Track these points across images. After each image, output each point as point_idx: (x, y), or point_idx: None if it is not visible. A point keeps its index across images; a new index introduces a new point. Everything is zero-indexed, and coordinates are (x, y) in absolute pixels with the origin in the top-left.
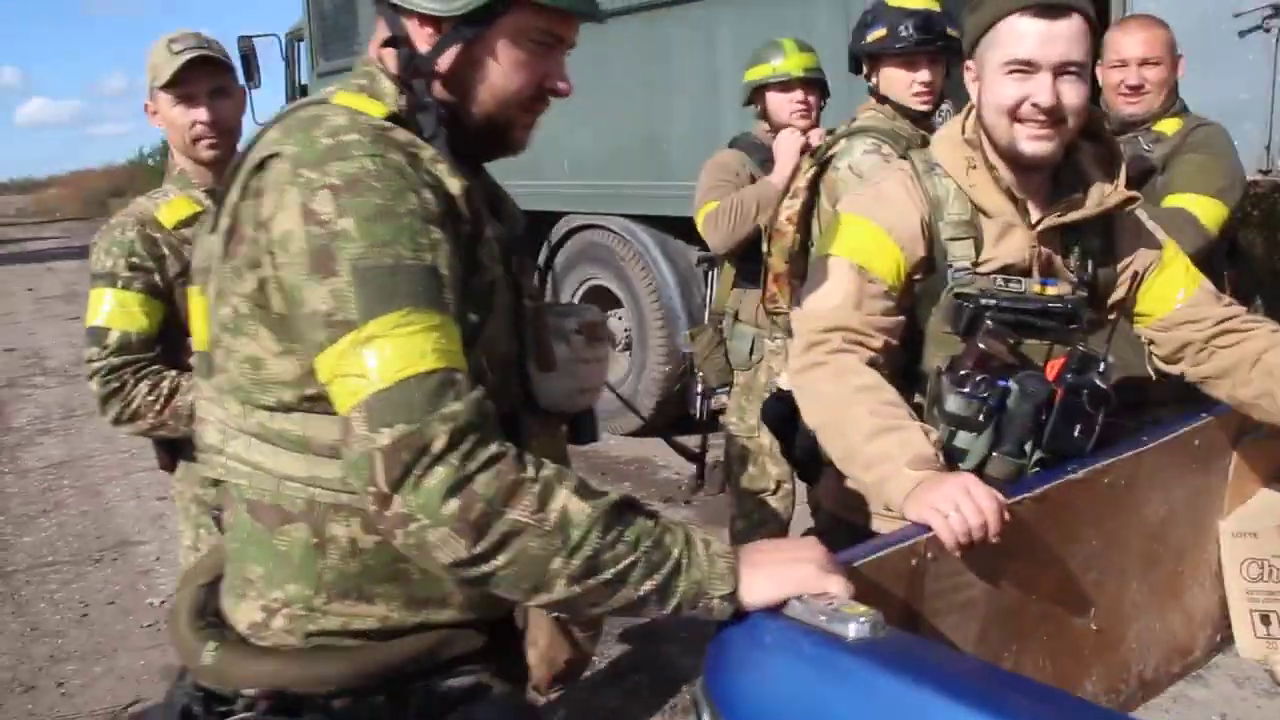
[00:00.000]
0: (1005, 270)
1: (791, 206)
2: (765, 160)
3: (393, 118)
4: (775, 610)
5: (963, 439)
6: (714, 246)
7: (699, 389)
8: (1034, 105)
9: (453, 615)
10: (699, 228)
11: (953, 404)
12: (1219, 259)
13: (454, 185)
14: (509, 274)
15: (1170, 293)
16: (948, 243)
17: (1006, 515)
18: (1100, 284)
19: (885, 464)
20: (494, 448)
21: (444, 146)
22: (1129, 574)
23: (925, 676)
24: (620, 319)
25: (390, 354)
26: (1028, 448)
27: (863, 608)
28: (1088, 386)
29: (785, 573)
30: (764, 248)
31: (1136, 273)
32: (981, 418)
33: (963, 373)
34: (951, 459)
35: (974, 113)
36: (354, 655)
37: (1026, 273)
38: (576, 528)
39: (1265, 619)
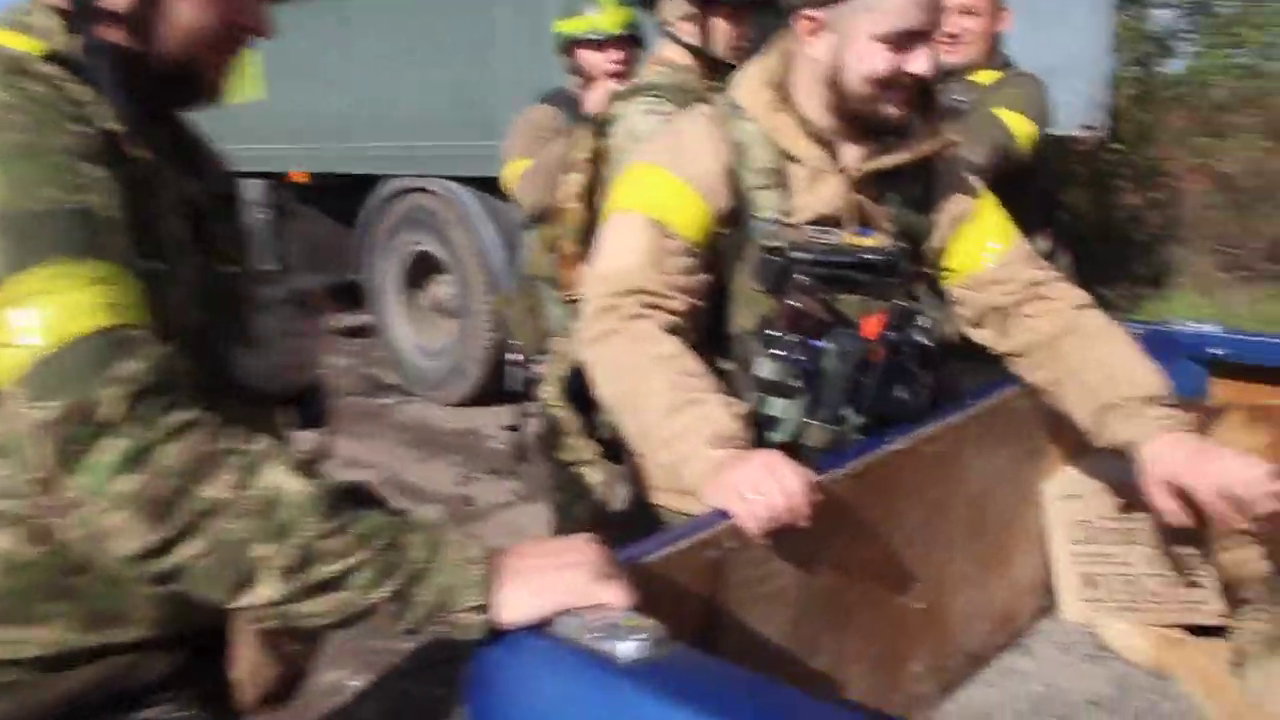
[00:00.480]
0: (817, 221)
1: (574, 181)
2: (580, 116)
3: (51, 56)
4: (541, 627)
5: (776, 406)
6: (526, 208)
7: (514, 358)
8: (910, 74)
9: (140, 633)
10: (508, 188)
11: (763, 368)
12: (1035, 207)
13: (115, 125)
14: (201, 235)
15: (980, 247)
16: (753, 192)
17: (816, 495)
18: (920, 234)
19: (683, 442)
20: (185, 413)
21: (112, 89)
22: (954, 545)
23: (704, 702)
24: (447, 285)
25: (50, 313)
26: (848, 413)
27: (642, 621)
28: (909, 343)
29: (551, 582)
30: (553, 230)
31: (954, 222)
32: (795, 382)
33: (773, 334)
34: (765, 429)
35: (783, 57)
36: (17, 690)
37: (840, 223)
38: (289, 507)
39: (1091, 581)
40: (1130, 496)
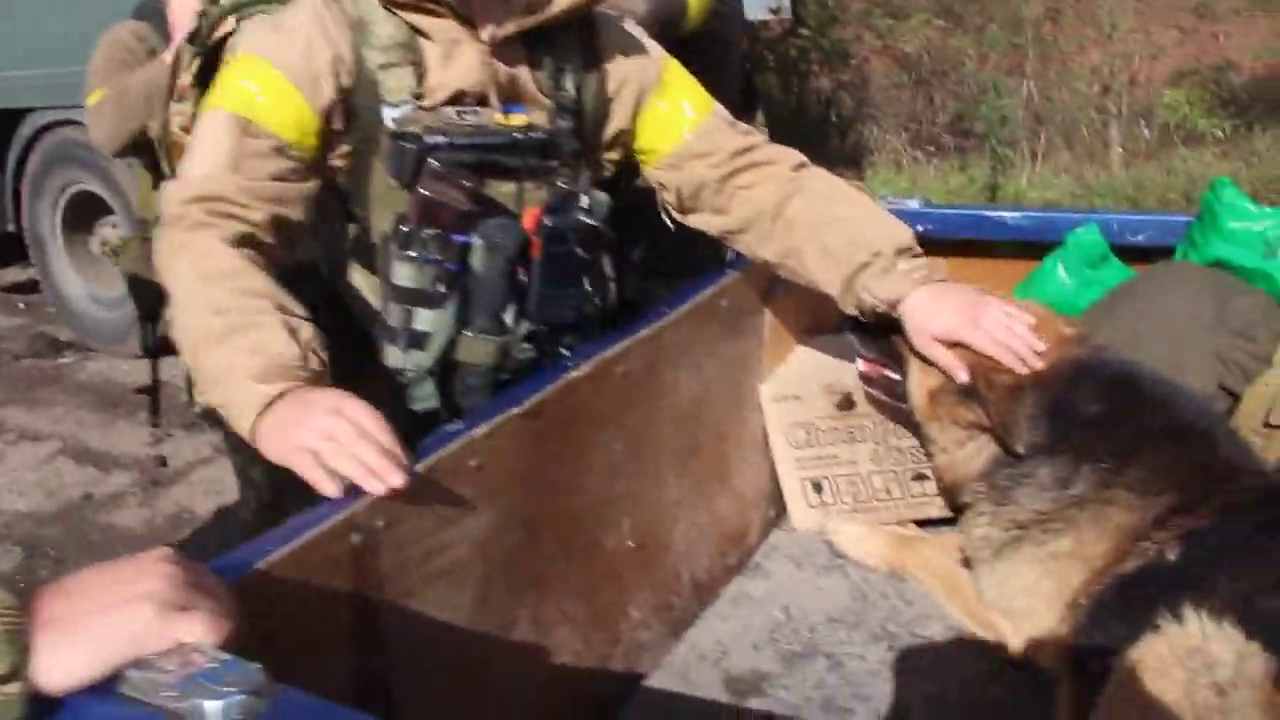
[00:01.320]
0: (457, 99)
1: (183, 112)
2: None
3: None
4: (105, 687)
5: (423, 319)
6: (100, 145)
7: (140, 312)
8: None
9: None
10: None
11: (401, 274)
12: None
13: None
14: None
15: (675, 121)
16: (380, 73)
17: (393, 436)
18: (588, 109)
19: (229, 380)
20: None
21: None
22: (665, 471)
23: None
24: (114, 227)
25: None
26: (509, 319)
27: (236, 666)
28: (573, 228)
29: (107, 626)
30: (163, 166)
31: (637, 94)
32: (440, 286)
33: (407, 230)
34: (412, 347)
35: None
36: None
37: (484, 100)
38: None
39: (817, 486)
40: (848, 392)
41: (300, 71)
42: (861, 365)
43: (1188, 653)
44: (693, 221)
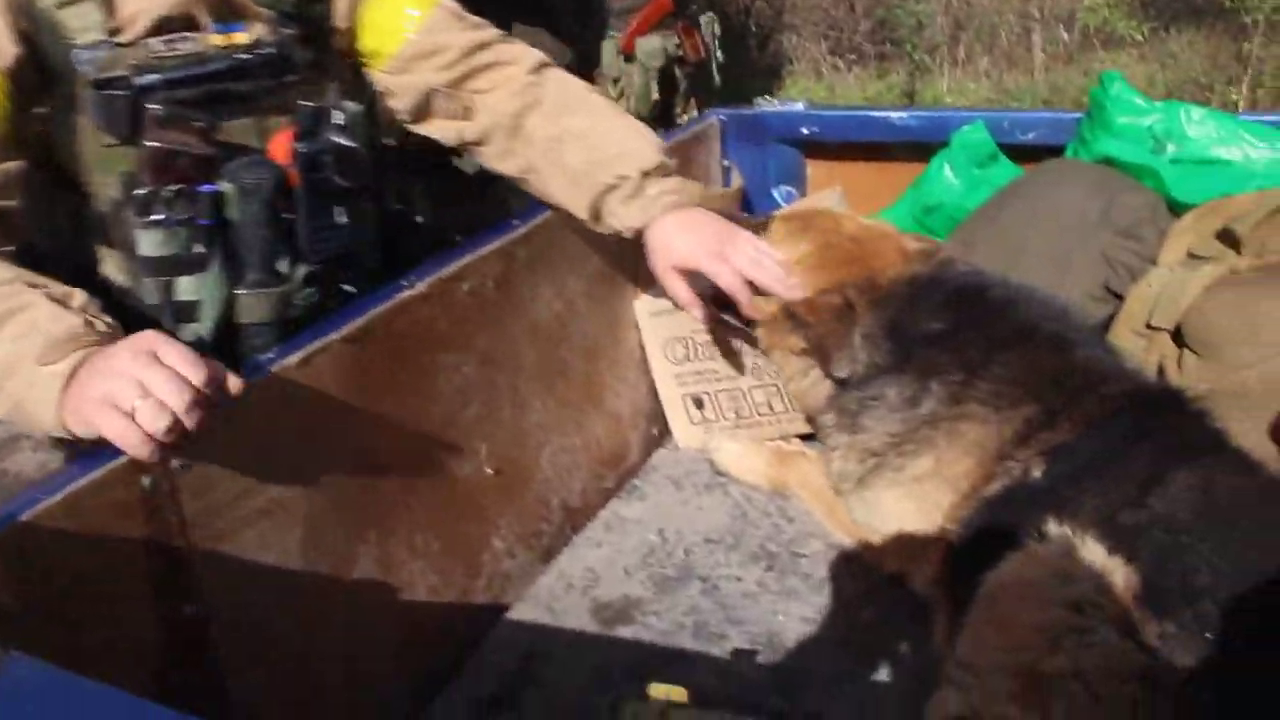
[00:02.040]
0: (161, 29)
1: None
2: None
3: None
4: None
5: (186, 287)
6: None
7: None
8: None
9: None
10: None
11: (147, 243)
12: None
13: None
14: None
15: (396, 19)
16: (57, 12)
17: (231, 381)
18: (312, 13)
19: (11, 378)
20: None
21: None
22: (527, 393)
23: None
24: None
25: None
26: (283, 266)
27: None
28: (328, 150)
29: None
30: None
31: None
32: (197, 247)
33: (145, 192)
34: (183, 322)
35: None
36: None
37: (193, 23)
38: None
39: (699, 402)
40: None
41: None
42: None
43: (1050, 573)
44: (427, 131)
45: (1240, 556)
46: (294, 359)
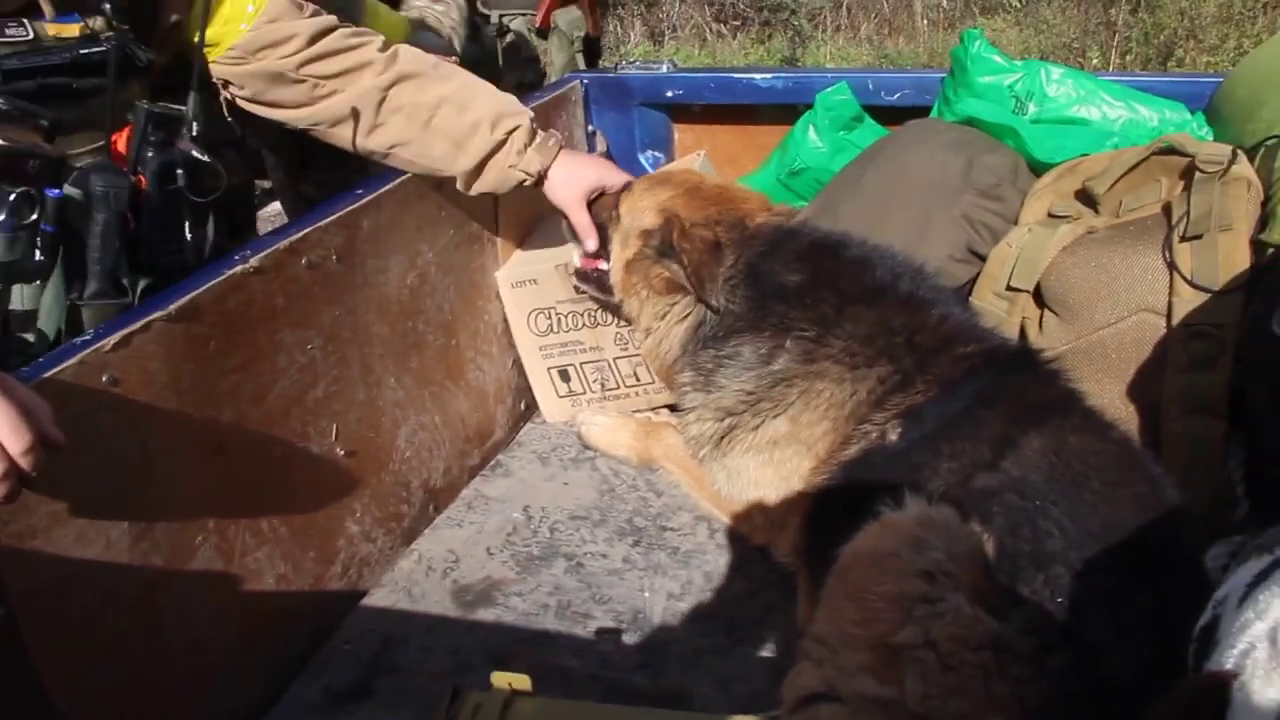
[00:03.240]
0: None
1: None
2: None
3: None
4: None
5: (24, 297)
6: None
7: None
8: None
9: None
10: None
11: None
12: None
13: None
14: None
15: (237, 8)
16: None
17: (53, 436)
18: (151, 6)
19: None
20: None
21: None
22: (380, 370)
23: None
24: None
25: None
26: (124, 278)
27: None
28: (183, 161)
29: None
30: None
31: None
32: (38, 255)
33: None
34: (18, 331)
35: None
36: None
37: (27, 10)
38: None
39: (564, 375)
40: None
41: None
42: (578, 262)
43: (903, 542)
44: (272, 115)
45: (1090, 519)
46: (111, 340)
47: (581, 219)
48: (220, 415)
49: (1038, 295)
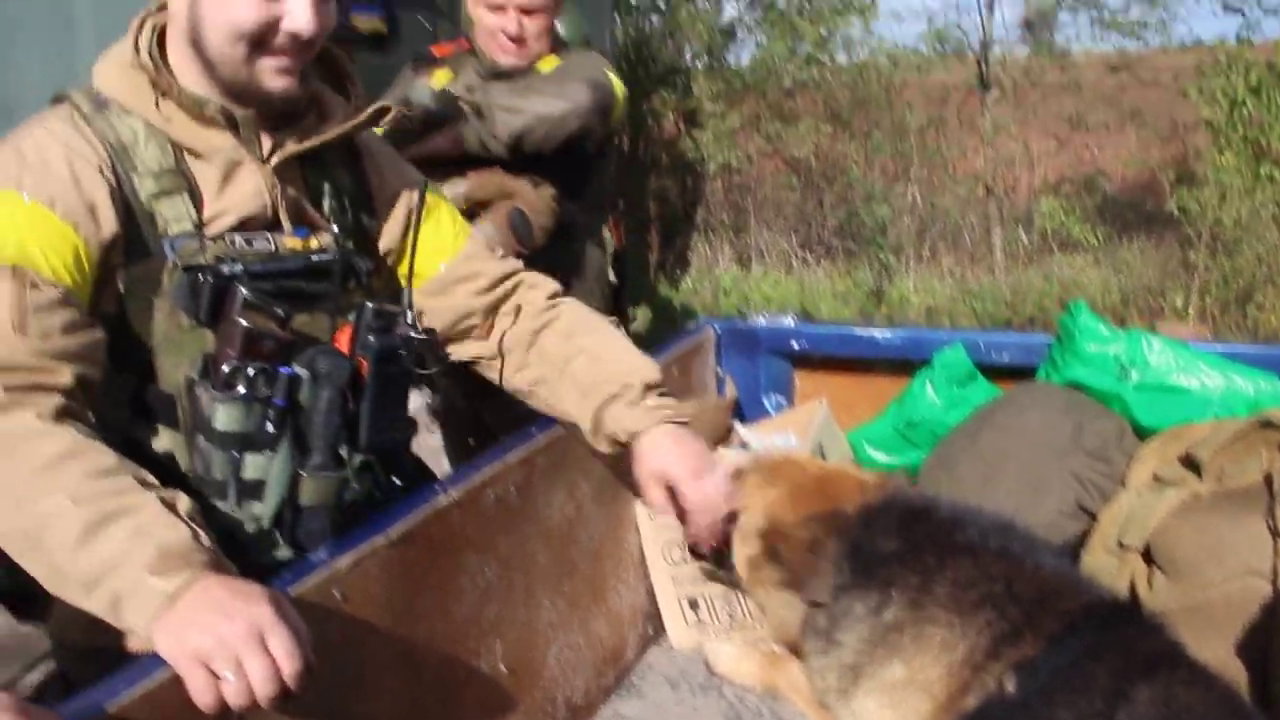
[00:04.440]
0: (244, 226)
1: None
2: None
3: None
4: None
5: (253, 466)
6: None
7: None
8: (290, 33)
9: None
10: None
11: (224, 418)
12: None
13: None
14: None
15: (440, 243)
16: (153, 202)
17: (309, 660)
18: (368, 230)
19: (115, 575)
20: None
21: None
22: (538, 593)
23: None
24: None
25: None
26: (344, 452)
27: None
28: (403, 345)
29: None
30: None
31: (405, 215)
32: (270, 427)
33: (229, 369)
34: (245, 499)
35: (149, 28)
36: None
37: (274, 225)
38: None
39: (694, 604)
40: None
41: (73, 203)
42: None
43: None
44: (455, 350)
45: None
46: (345, 561)
47: (651, 495)
48: (416, 632)
49: (1147, 554)
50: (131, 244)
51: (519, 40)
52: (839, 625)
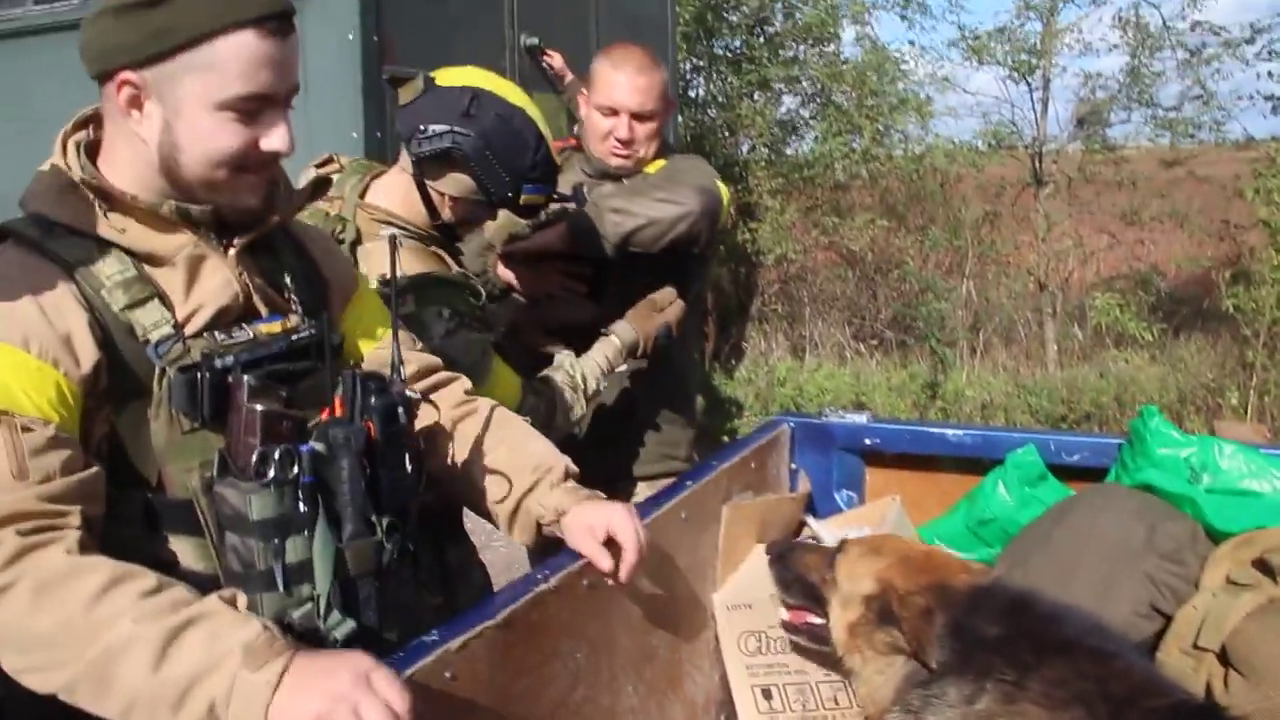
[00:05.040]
0: (218, 319)
1: None
2: None
3: None
4: None
5: (294, 550)
6: None
7: None
8: (270, 153)
9: None
10: None
11: (260, 506)
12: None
13: None
14: None
15: (369, 328)
16: (127, 314)
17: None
18: (320, 309)
19: (206, 683)
20: None
21: None
22: (621, 679)
23: None
24: None
25: None
26: (373, 517)
27: None
28: (401, 403)
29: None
30: None
31: (342, 299)
32: (303, 506)
33: (256, 456)
34: (294, 585)
35: (75, 148)
36: None
37: (246, 313)
38: None
39: (767, 694)
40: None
41: (47, 339)
42: (784, 614)
43: None
44: None
45: None
46: (455, 642)
47: (587, 547)
48: (513, 712)
49: (1223, 656)
50: (114, 363)
51: (629, 144)
52: (930, 706)
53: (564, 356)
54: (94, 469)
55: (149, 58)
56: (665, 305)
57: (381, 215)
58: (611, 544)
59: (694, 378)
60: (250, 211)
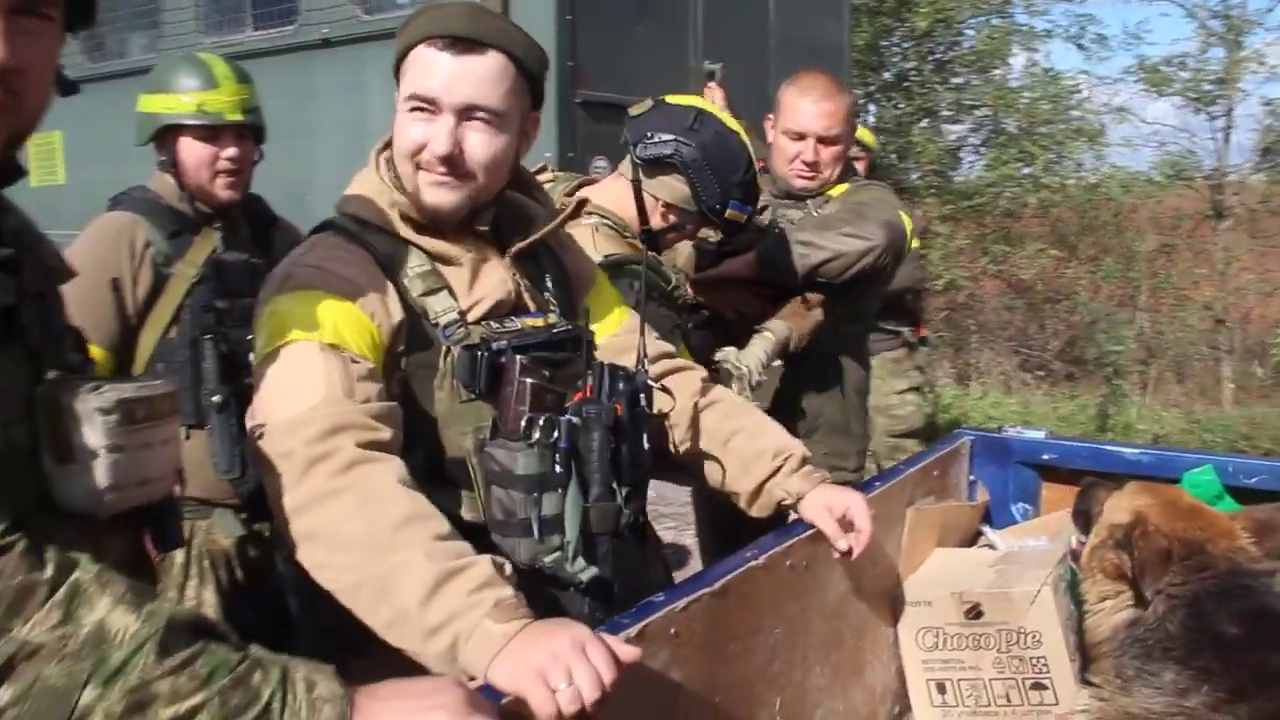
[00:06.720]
0: (495, 311)
1: None
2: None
3: None
4: None
5: (549, 504)
6: None
7: None
8: (431, 154)
9: None
10: None
11: (524, 463)
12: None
13: None
14: (14, 336)
15: (608, 315)
16: (423, 300)
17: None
18: (572, 311)
19: (457, 623)
20: None
21: None
22: (811, 659)
23: None
24: None
25: None
26: (615, 485)
27: None
28: (643, 389)
29: None
30: None
31: (585, 291)
32: (559, 467)
33: (525, 421)
34: (545, 534)
35: (384, 162)
36: None
37: (516, 308)
38: (117, 648)
39: (941, 688)
40: (976, 602)
41: (368, 298)
42: (1073, 544)
43: None
44: None
45: None
46: (680, 604)
47: (825, 524)
48: (721, 674)
49: None
50: (412, 333)
51: (814, 166)
52: (1143, 679)
53: (727, 351)
54: (394, 405)
55: (395, 70)
56: (815, 305)
57: (592, 208)
58: (844, 523)
59: (866, 389)
60: (435, 211)
